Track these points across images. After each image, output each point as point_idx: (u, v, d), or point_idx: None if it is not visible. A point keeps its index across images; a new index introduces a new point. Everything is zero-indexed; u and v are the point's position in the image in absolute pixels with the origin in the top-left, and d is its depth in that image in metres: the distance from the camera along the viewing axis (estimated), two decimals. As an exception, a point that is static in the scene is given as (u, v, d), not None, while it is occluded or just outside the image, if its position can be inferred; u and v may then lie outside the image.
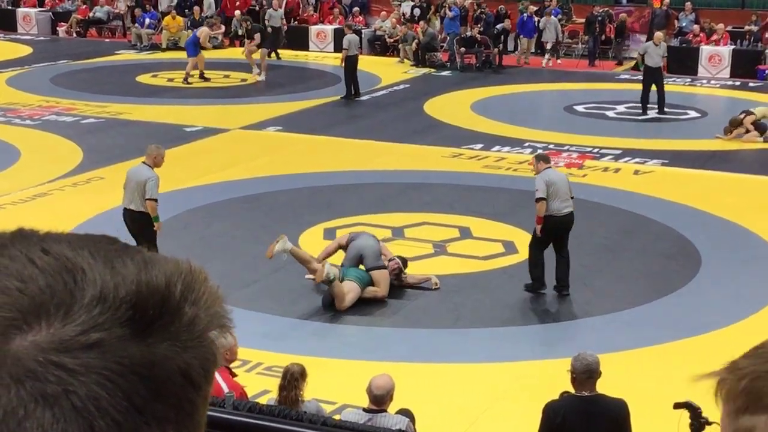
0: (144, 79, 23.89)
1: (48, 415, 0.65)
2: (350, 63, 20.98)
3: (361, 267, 10.77)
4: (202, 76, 23.46)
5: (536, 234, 10.67)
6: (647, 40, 23.22)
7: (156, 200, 10.57)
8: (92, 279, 0.69)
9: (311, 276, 10.64)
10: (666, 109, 20.24)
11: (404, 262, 11.12)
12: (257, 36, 24.03)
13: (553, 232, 10.70)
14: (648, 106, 20.13)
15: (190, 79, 23.16)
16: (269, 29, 25.55)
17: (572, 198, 10.80)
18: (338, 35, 28.62)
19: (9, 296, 0.67)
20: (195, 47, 23.37)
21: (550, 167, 10.94)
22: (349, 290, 10.42)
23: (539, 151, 11.63)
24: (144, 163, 10.81)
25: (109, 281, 0.69)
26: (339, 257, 11.08)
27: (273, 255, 10.42)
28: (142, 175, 10.64)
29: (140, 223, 10.64)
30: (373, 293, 10.61)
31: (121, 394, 0.66)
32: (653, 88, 19.98)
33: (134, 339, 0.68)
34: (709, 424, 6.64)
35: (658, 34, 20.83)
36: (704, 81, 24.51)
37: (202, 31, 24.68)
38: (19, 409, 0.64)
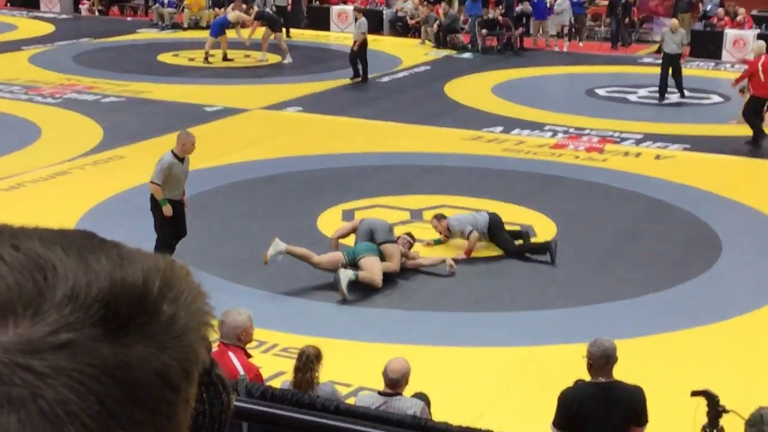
0: (165, 58, 23.90)
1: (13, 420, 0.61)
2: (364, 46, 20.92)
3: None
4: (225, 58, 23.42)
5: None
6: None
7: (157, 184, 10.41)
8: (64, 276, 0.66)
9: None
10: (688, 93, 20.06)
11: (412, 237, 11.23)
12: (255, 23, 24.09)
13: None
14: (667, 91, 19.95)
15: (210, 59, 23.14)
16: (273, 8, 25.55)
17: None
18: (360, 16, 28.53)
19: None
20: (220, 28, 23.34)
21: (449, 218, 11.80)
22: (372, 266, 10.46)
23: (436, 212, 12.07)
24: (172, 150, 10.65)
25: (81, 279, 0.66)
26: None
27: (268, 260, 10.35)
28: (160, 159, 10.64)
29: (151, 204, 10.66)
30: (386, 268, 10.64)
31: (93, 398, 0.63)
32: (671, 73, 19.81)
33: (107, 339, 0.64)
34: (727, 412, 6.60)
35: (674, 21, 20.76)
36: (728, 65, 24.28)
37: (233, 15, 24.54)
38: None
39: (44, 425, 0.62)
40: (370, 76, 21.31)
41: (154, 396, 0.66)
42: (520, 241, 11.69)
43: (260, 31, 24.11)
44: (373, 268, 10.43)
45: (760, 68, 16.43)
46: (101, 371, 0.64)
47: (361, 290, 10.39)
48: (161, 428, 0.67)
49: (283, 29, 24.86)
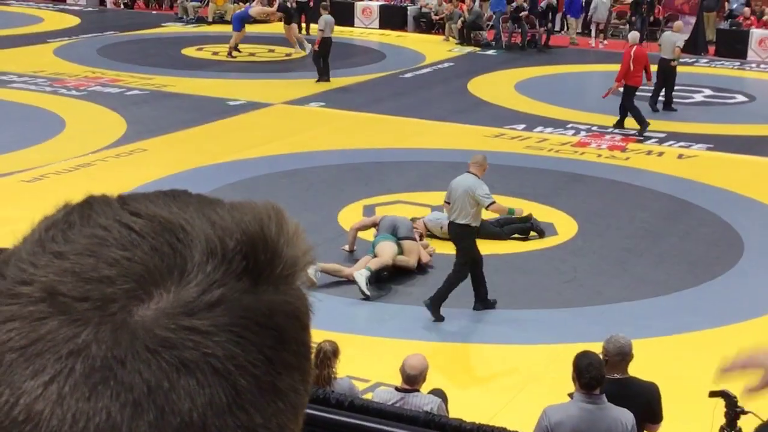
0: (189, 52, 23.99)
1: (192, 383, 0.62)
2: (325, 45, 20.15)
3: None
4: (233, 50, 23.30)
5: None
6: (696, 22, 22.78)
7: (494, 201, 9.98)
8: (195, 235, 0.66)
9: (346, 247, 11.20)
10: (713, 93, 19.89)
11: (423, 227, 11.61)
12: (278, 14, 24.07)
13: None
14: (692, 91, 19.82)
15: (234, 53, 23.21)
16: (294, 4, 25.54)
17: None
18: (384, 11, 28.51)
19: (120, 267, 0.64)
20: (240, 22, 23.38)
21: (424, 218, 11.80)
22: (382, 250, 10.64)
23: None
24: (469, 171, 10.05)
25: (212, 234, 0.66)
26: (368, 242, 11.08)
27: (315, 283, 10.13)
28: (467, 184, 9.89)
29: (459, 235, 10.01)
30: (405, 262, 10.79)
31: (254, 348, 0.64)
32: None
33: (249, 290, 0.66)
34: (745, 413, 6.56)
35: (678, 23, 20.56)
36: (753, 65, 24.11)
37: (255, 10, 24.60)
38: (163, 382, 0.62)
39: (220, 383, 0.63)
40: (394, 71, 21.25)
41: (295, 338, 0.68)
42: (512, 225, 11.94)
43: (280, 26, 24.11)
44: (383, 252, 10.60)
45: (632, 57, 16.62)
46: (254, 322, 0.65)
47: (380, 287, 10.41)
48: (303, 369, 0.69)
49: (295, 24, 24.63)
